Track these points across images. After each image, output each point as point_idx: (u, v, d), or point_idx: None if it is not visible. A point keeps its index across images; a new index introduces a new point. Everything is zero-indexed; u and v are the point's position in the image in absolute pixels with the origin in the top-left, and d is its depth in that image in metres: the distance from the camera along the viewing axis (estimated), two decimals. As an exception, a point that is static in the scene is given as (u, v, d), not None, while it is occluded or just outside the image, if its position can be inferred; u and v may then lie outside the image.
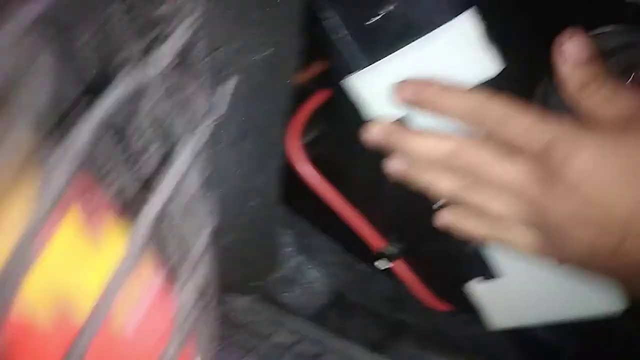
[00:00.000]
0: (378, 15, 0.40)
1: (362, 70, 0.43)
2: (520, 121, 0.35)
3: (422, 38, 0.40)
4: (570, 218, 0.33)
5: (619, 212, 0.32)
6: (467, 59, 0.40)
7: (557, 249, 0.36)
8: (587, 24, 0.38)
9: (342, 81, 0.44)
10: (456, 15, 0.39)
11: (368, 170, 0.48)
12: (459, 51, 0.40)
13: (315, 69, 0.53)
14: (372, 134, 0.42)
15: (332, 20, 0.42)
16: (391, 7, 0.40)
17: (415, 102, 0.40)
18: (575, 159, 0.32)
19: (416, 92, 0.39)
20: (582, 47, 0.35)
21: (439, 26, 0.39)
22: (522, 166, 0.35)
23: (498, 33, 0.39)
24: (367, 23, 0.41)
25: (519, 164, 0.35)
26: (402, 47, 0.41)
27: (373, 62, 0.42)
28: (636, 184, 0.31)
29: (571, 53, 0.35)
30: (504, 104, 0.36)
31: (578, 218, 0.33)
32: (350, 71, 0.43)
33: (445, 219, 0.42)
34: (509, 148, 0.35)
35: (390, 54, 0.41)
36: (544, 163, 0.34)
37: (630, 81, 0.39)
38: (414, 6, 0.40)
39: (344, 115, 0.46)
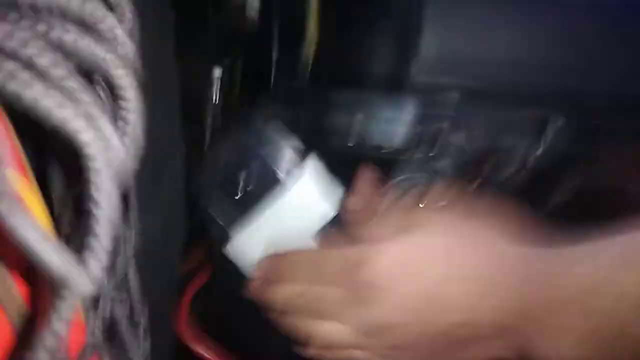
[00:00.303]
0: (243, 190, 0.53)
1: (236, 236, 0.53)
2: (329, 260, 0.44)
3: (276, 197, 0.52)
4: (392, 322, 0.40)
5: (414, 301, 0.39)
6: (314, 206, 0.51)
7: (396, 354, 0.42)
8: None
9: (221, 252, 0.54)
10: (298, 176, 0.52)
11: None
12: (306, 202, 0.52)
13: (197, 254, 0.64)
14: (250, 291, 0.51)
15: (209, 200, 0.53)
16: (253, 179, 0.53)
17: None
18: (367, 270, 0.40)
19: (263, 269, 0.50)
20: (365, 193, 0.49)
21: (289, 184, 0.52)
22: (343, 295, 0.42)
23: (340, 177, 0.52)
24: (236, 197, 0.53)
25: (341, 294, 0.42)
26: (263, 208, 0.52)
27: (243, 227, 0.53)
28: (419, 274, 0.40)
29: (357, 197, 0.49)
30: (315, 252, 0.47)
31: (396, 318, 0.40)
32: (226, 239, 0.54)
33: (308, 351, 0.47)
34: (331, 284, 0.43)
35: (255, 217, 0.53)
36: (353, 284, 0.41)
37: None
38: (267, 174, 0.52)
39: (228, 283, 0.56)
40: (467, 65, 0.49)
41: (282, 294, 0.48)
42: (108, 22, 0.18)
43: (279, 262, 0.50)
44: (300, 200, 0.53)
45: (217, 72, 0.67)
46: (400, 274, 0.40)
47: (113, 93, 0.18)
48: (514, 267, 0.38)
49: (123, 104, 0.18)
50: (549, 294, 0.35)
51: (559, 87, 0.50)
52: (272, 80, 0.57)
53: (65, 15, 0.17)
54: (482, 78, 0.50)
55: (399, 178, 0.59)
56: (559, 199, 0.59)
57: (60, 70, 0.16)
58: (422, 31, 0.49)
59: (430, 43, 0.49)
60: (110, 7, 0.19)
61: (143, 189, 0.39)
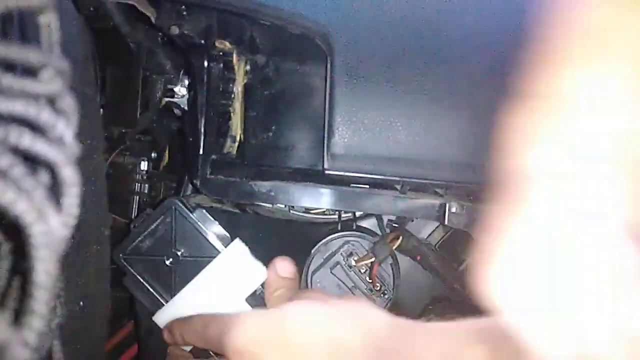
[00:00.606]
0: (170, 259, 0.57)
1: (164, 307, 0.56)
2: (211, 326, 0.47)
3: (204, 270, 0.56)
4: None
5: None
6: (242, 274, 0.56)
7: None
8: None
9: (149, 322, 0.56)
10: (226, 246, 0.56)
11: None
12: (234, 270, 0.55)
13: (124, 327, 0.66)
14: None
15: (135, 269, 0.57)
16: (181, 251, 0.57)
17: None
18: (236, 337, 0.43)
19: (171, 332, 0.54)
20: (284, 266, 0.54)
21: (214, 258, 0.56)
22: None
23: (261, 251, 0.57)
24: (162, 271, 0.57)
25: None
26: (191, 280, 0.56)
27: (171, 298, 0.56)
28: (285, 342, 0.42)
29: (276, 268, 0.54)
30: (204, 317, 0.50)
31: None
32: (155, 308, 0.56)
33: None
34: (214, 349, 0.47)
35: (183, 288, 0.56)
36: (226, 350, 0.44)
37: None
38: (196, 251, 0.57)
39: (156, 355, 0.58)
40: (371, 160, 0.55)
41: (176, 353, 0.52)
42: (59, 129, 0.21)
43: (180, 325, 0.53)
44: (232, 265, 0.56)
45: (144, 165, 0.70)
46: (266, 342, 0.42)
47: (56, 182, 0.21)
48: (378, 337, 0.41)
49: (66, 191, 0.22)
50: None
51: (451, 179, 0.56)
52: (197, 172, 0.60)
53: (22, 122, 0.20)
54: (385, 172, 0.55)
55: (328, 238, 0.63)
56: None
57: (17, 170, 0.19)
58: (332, 131, 0.55)
59: (340, 141, 0.55)
60: (59, 110, 0.22)
61: (68, 261, 0.40)
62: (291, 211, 0.68)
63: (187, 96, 0.69)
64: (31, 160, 0.21)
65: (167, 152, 0.73)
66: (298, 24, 0.56)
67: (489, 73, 0.55)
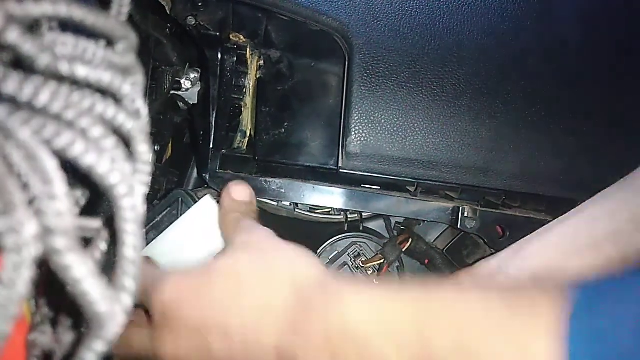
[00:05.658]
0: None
1: None
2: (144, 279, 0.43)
3: (172, 226, 0.54)
4: (176, 346, 0.39)
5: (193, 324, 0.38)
6: (212, 230, 0.52)
7: None
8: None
9: None
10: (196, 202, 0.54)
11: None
12: (204, 226, 0.53)
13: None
14: None
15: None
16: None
17: None
18: (155, 298, 0.39)
19: None
20: (239, 190, 0.51)
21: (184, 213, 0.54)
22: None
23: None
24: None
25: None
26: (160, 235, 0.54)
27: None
28: (205, 301, 0.38)
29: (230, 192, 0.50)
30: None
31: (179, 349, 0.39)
32: None
33: None
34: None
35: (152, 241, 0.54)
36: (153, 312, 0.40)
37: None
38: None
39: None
40: (386, 161, 0.55)
41: None
42: (137, 102, 0.20)
43: None
44: (201, 221, 0.54)
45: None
46: (188, 303, 0.39)
47: (130, 148, 0.21)
48: (302, 298, 0.37)
49: (141, 159, 0.21)
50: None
51: (466, 183, 0.56)
52: (206, 166, 0.59)
53: (105, 93, 0.19)
54: (399, 172, 0.55)
55: (334, 238, 0.63)
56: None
57: (109, 142, 0.18)
58: (349, 130, 0.55)
59: (356, 140, 0.55)
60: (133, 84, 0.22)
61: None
62: (296, 210, 0.67)
63: (192, 89, 0.68)
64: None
65: (170, 145, 0.72)
66: (318, 21, 0.56)
67: (508, 77, 0.56)
